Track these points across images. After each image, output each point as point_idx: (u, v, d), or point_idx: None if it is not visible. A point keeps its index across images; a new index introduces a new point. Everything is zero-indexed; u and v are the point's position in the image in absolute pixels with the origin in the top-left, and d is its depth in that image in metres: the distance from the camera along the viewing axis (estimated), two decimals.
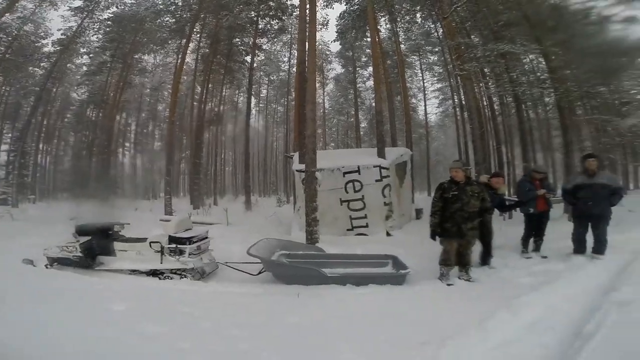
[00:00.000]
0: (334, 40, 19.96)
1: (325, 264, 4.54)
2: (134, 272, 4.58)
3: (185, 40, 14.65)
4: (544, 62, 12.55)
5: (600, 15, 12.42)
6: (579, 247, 4.69)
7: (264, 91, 26.00)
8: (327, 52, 23.77)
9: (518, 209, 5.37)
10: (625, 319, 2.34)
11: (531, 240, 5.08)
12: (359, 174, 7.56)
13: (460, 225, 3.92)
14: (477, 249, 4.50)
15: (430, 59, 20.37)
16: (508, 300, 2.90)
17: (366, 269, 4.49)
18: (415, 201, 11.89)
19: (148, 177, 19.57)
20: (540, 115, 17.11)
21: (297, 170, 7.96)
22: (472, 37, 13.15)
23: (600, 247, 4.51)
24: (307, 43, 8.06)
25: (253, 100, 21.16)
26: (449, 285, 3.82)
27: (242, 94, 21.99)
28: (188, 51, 14.87)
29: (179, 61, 15.29)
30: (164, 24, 16.17)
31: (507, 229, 5.78)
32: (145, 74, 18.53)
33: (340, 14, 17.57)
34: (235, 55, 17.41)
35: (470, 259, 4.16)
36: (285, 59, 22.80)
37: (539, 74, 13.84)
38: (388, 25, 17.32)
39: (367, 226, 7.49)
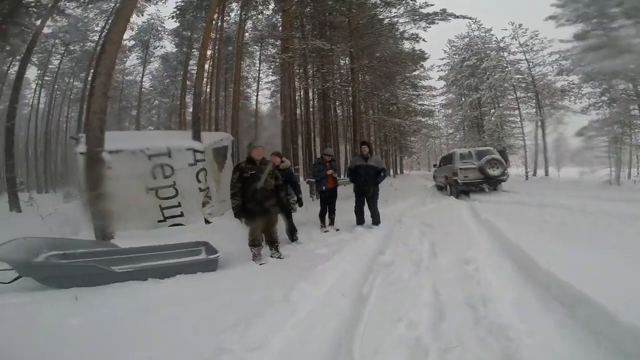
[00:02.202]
0: (172, 17, 17.67)
1: (119, 261, 3.87)
2: None
3: None
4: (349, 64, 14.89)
5: (399, 31, 16.13)
6: (359, 218, 5.80)
7: (56, 62, 20.33)
8: (160, 28, 21.46)
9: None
10: (389, 278, 3.06)
11: (326, 215, 5.88)
12: (170, 157, 6.79)
13: (263, 204, 4.07)
14: (283, 226, 4.83)
15: (270, 50, 20.90)
16: (309, 270, 3.31)
17: (174, 259, 4.07)
18: None
19: None
20: (344, 112, 20.55)
21: (80, 153, 6.34)
22: (304, 30, 14.18)
23: (374, 219, 5.74)
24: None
25: (35, 72, 16.52)
26: (261, 264, 3.95)
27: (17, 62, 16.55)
28: None
29: None
30: None
31: (312, 207, 6.60)
32: None
33: None
34: (18, 16, 12.26)
35: (277, 236, 4.38)
36: (98, 29, 18.81)
37: (344, 74, 16.51)
38: (237, 11, 16.70)
39: (182, 215, 6.87)
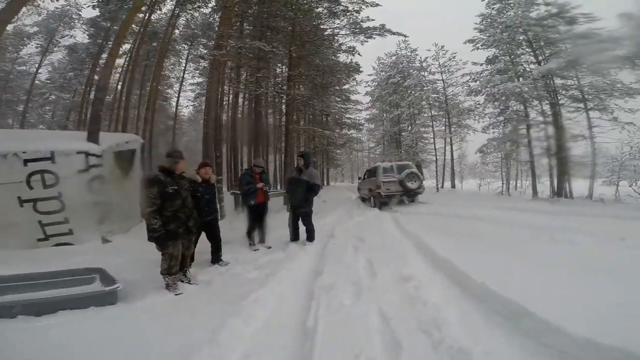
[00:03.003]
0: (92, 6, 15.39)
1: None
2: None
3: None
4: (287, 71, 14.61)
5: (338, 42, 16.36)
6: (292, 233, 5.39)
7: None
8: (75, 16, 18.55)
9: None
10: (332, 304, 2.76)
11: (255, 232, 5.34)
12: (53, 162, 5.50)
13: (187, 224, 3.52)
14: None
15: (201, 51, 19.26)
16: (240, 300, 2.81)
17: (55, 290, 3.15)
18: None
19: None
20: (276, 121, 20.02)
21: None
22: (242, 31, 13.40)
23: (308, 235, 5.38)
24: None
25: None
26: (177, 294, 3.30)
27: None
28: None
29: None
30: None
31: (237, 222, 5.98)
32: None
33: None
34: None
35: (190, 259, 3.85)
36: None
37: (279, 82, 16.12)
38: (171, 7, 15.14)
39: (70, 233, 5.59)
